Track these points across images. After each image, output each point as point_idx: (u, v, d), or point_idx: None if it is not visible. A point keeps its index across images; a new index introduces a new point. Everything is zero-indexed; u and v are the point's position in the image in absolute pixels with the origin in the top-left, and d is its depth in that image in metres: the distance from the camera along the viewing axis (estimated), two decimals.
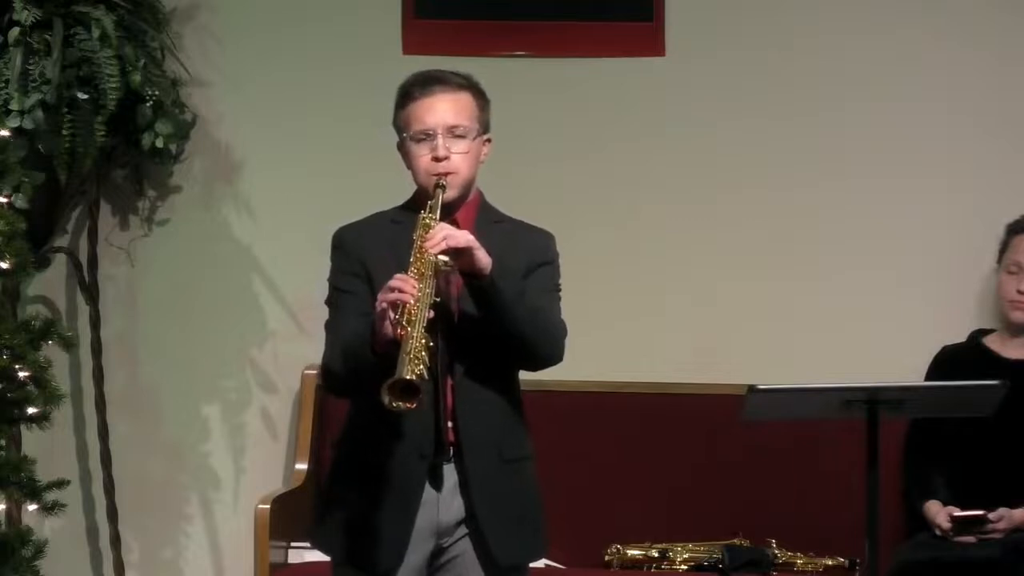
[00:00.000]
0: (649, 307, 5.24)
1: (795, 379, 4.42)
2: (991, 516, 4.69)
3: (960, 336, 5.02)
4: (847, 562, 4.94)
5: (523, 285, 3.63)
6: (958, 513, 4.71)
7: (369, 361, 3.48)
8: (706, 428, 5.07)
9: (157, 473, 5.41)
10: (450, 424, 3.60)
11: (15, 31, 4.87)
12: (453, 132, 3.64)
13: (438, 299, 3.48)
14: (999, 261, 4.97)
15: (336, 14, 5.34)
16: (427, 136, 3.64)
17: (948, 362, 4.95)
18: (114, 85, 4.91)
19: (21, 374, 4.08)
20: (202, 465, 5.41)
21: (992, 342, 4.97)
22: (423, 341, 3.38)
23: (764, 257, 5.24)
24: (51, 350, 4.20)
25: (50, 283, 5.42)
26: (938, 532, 4.74)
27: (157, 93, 5.06)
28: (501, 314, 3.54)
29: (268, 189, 5.40)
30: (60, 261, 5.37)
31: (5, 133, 4.37)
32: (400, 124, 3.70)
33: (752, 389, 4.15)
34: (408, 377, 3.33)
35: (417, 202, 3.70)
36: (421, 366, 3.36)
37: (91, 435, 5.40)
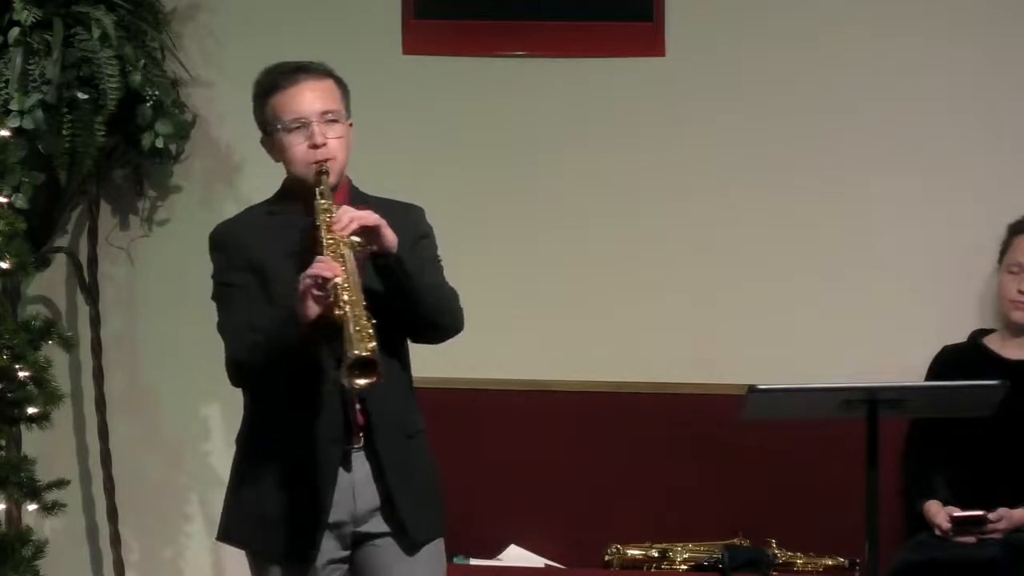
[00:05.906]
0: (649, 307, 5.23)
1: (795, 379, 4.42)
2: (991, 516, 4.68)
3: (960, 336, 5.02)
4: (847, 562, 4.94)
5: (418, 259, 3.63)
6: (958, 513, 4.71)
7: (291, 346, 3.48)
8: (706, 428, 5.06)
9: (157, 473, 5.41)
10: (358, 405, 3.60)
11: (15, 31, 4.88)
12: (326, 118, 3.63)
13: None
14: (1000, 261, 4.97)
15: (336, 14, 5.34)
16: (302, 124, 3.62)
17: (948, 362, 4.95)
18: (114, 85, 4.91)
19: (21, 374, 4.09)
20: (202, 465, 5.40)
21: (992, 342, 4.97)
22: (366, 318, 3.39)
23: (764, 257, 5.23)
24: (51, 350, 4.20)
25: (50, 283, 5.42)
26: (938, 532, 4.74)
27: (157, 93, 5.06)
28: (409, 288, 3.55)
29: (268, 189, 5.33)
30: (60, 261, 5.37)
31: (5, 133, 4.37)
32: (268, 116, 3.67)
33: (752, 389, 4.16)
34: (365, 354, 3.35)
35: (289, 193, 3.71)
36: (372, 342, 3.37)
37: (91, 435, 5.39)
